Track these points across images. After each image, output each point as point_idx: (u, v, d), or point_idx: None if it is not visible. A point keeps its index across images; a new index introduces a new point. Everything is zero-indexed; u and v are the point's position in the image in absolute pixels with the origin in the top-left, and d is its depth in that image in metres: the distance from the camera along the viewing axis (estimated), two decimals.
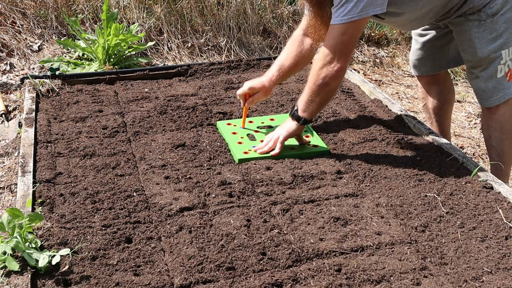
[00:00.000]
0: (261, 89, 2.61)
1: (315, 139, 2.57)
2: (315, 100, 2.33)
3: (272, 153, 2.43)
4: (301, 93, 2.42)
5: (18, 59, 4.06)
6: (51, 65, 3.76)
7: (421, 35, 2.86)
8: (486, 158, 3.77)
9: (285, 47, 2.63)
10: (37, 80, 3.11)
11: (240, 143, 2.53)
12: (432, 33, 2.81)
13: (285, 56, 2.60)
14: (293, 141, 2.52)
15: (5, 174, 2.80)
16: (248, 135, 2.62)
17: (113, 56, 3.85)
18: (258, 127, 2.69)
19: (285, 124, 2.45)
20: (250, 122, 2.74)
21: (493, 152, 2.69)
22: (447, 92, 2.99)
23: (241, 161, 2.42)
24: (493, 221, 2.04)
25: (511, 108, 2.61)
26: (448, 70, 3.06)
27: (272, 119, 2.77)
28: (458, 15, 2.51)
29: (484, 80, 2.56)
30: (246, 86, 2.62)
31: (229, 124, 2.71)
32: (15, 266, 1.73)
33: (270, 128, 2.68)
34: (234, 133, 2.62)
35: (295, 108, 2.42)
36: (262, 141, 2.54)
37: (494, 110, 2.62)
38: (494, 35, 2.47)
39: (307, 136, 2.57)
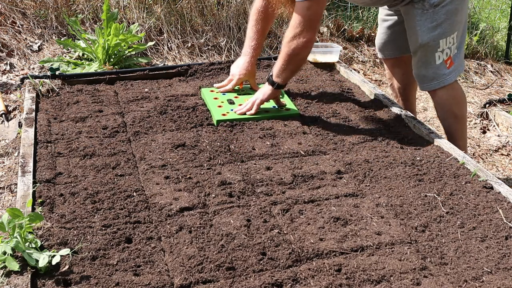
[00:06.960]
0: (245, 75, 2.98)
1: (287, 103, 2.85)
2: (288, 67, 2.68)
3: (249, 113, 2.71)
4: (276, 65, 2.70)
5: (18, 59, 4.06)
6: (51, 65, 3.76)
7: (385, 20, 3.17)
8: (486, 158, 3.77)
9: (253, 23, 2.90)
10: (37, 80, 3.11)
11: (220, 106, 2.80)
12: (394, 19, 3.10)
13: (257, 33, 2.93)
14: (269, 106, 2.82)
15: (5, 174, 2.80)
16: (228, 100, 2.88)
17: (113, 56, 3.86)
18: (237, 93, 2.97)
19: (262, 89, 2.78)
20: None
21: (444, 128, 3.07)
22: (410, 74, 3.17)
23: (219, 122, 2.66)
24: (493, 221, 2.04)
25: (447, 91, 2.91)
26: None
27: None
28: (406, 2, 2.81)
29: (424, 66, 2.87)
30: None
31: (212, 91, 2.98)
32: (15, 266, 1.73)
33: (249, 94, 2.93)
34: (215, 98, 2.89)
35: (270, 74, 2.73)
36: (240, 105, 2.81)
37: (432, 94, 2.97)
38: (434, 25, 2.75)
39: (282, 101, 2.87)
